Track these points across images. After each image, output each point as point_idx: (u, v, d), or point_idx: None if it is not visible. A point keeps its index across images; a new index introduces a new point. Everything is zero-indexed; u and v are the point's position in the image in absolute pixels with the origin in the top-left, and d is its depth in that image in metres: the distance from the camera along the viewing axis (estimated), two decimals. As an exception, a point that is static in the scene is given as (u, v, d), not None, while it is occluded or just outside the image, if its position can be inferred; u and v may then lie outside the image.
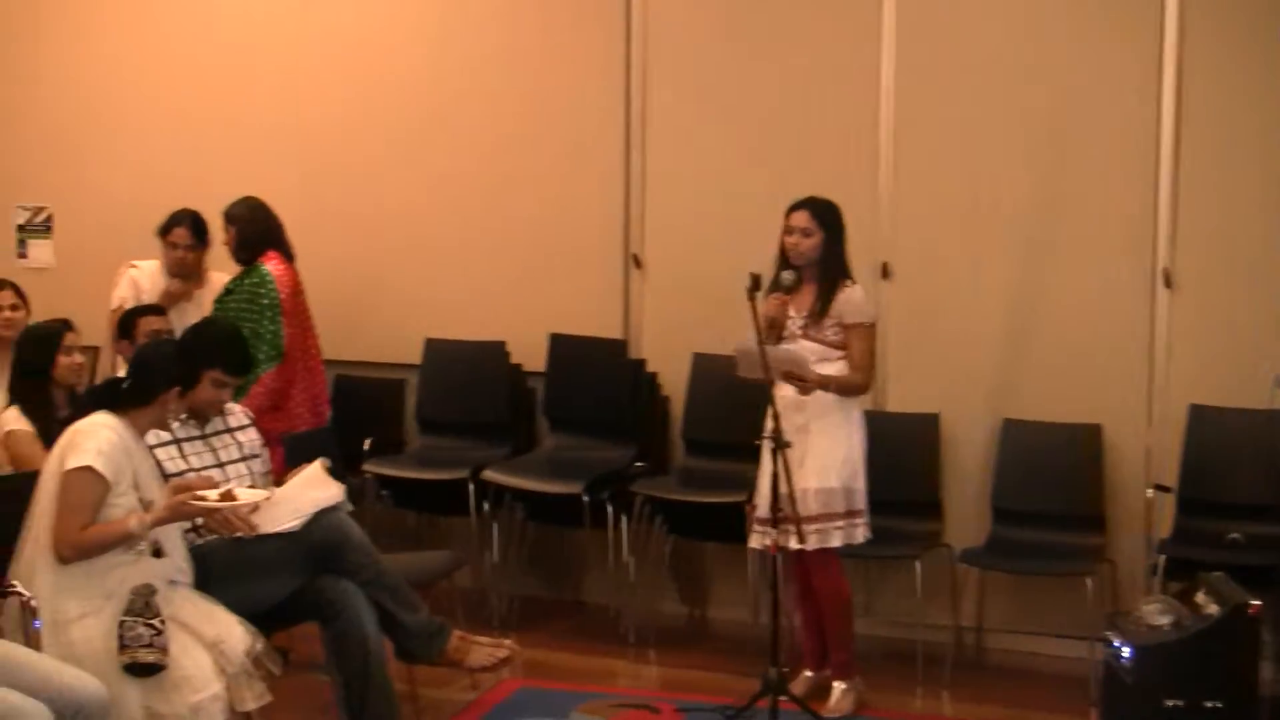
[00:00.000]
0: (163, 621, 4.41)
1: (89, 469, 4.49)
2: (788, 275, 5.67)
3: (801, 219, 5.74)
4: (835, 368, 5.67)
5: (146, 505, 4.58)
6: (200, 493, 4.63)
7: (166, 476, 4.93)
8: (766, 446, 5.52)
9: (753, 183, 6.81)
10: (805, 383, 5.59)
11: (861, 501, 5.74)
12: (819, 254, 5.73)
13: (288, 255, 6.66)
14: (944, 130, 6.62)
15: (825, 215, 5.76)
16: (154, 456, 4.95)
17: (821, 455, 5.66)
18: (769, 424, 5.40)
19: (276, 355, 6.45)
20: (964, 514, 6.55)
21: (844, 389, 5.69)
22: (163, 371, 4.79)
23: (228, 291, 6.60)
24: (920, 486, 6.52)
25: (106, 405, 4.68)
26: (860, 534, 5.75)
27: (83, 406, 4.80)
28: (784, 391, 5.61)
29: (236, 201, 6.71)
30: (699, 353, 6.87)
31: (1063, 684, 6.13)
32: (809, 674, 5.89)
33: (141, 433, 4.75)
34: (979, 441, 6.57)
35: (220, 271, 6.88)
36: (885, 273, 6.63)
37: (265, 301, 6.47)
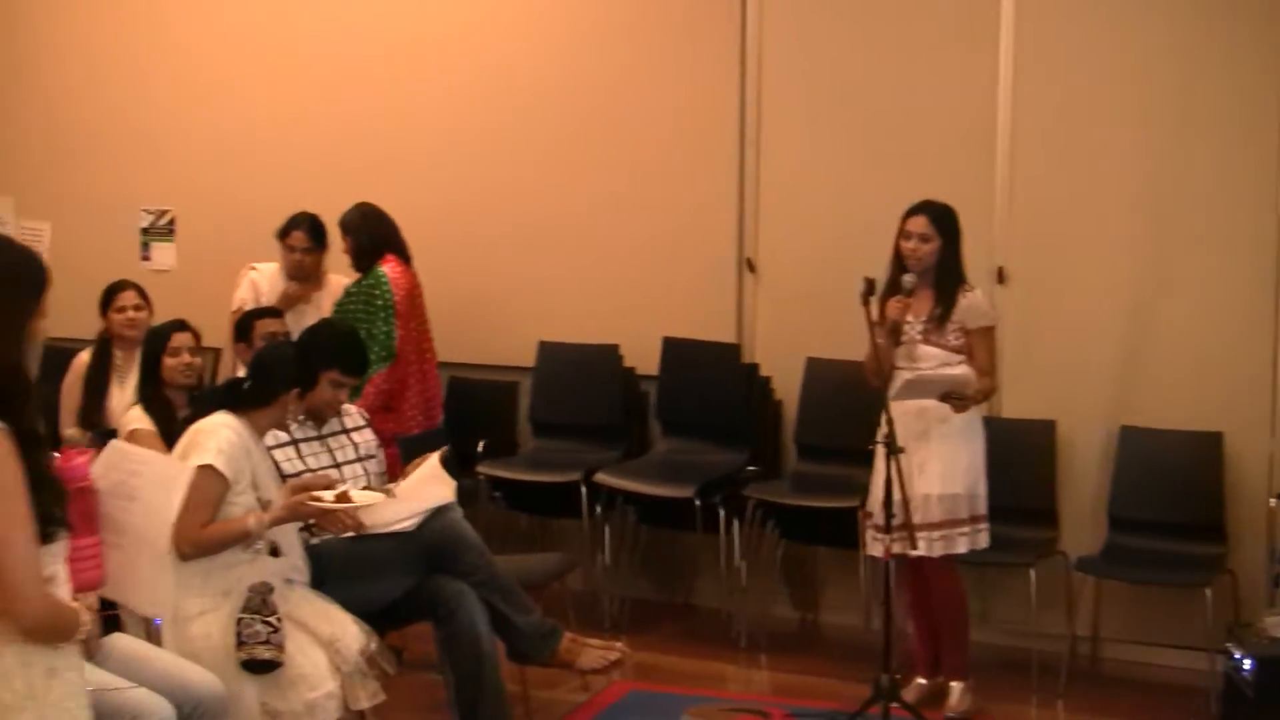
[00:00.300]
0: (279, 619, 4.49)
1: (210, 468, 4.58)
2: (909, 279, 5.66)
3: (920, 224, 5.73)
4: (957, 373, 5.68)
5: (264, 505, 4.68)
6: (317, 493, 4.72)
7: (284, 477, 5.04)
8: (880, 452, 5.53)
9: (867, 186, 6.81)
10: (965, 400, 5.61)
11: (983, 506, 5.76)
12: (936, 259, 5.72)
13: (404, 257, 6.77)
14: (1061, 133, 6.57)
15: (943, 220, 5.75)
16: (272, 457, 5.06)
17: (945, 461, 5.67)
18: (882, 429, 5.41)
19: (388, 356, 6.55)
20: (1080, 522, 6.50)
21: (984, 398, 5.75)
22: (282, 373, 4.88)
23: (347, 295, 6.73)
24: (1035, 494, 6.47)
25: (227, 405, 4.79)
26: (983, 539, 5.77)
27: (203, 406, 4.90)
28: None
29: (350, 210, 6.83)
30: (812, 357, 6.88)
31: (1180, 696, 6.06)
32: (921, 681, 5.89)
33: (261, 433, 4.85)
34: (1096, 448, 6.51)
35: (339, 274, 7.00)
36: (1001, 277, 6.59)
37: (379, 303, 6.58)
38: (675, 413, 7.19)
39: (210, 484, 4.58)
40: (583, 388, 7.30)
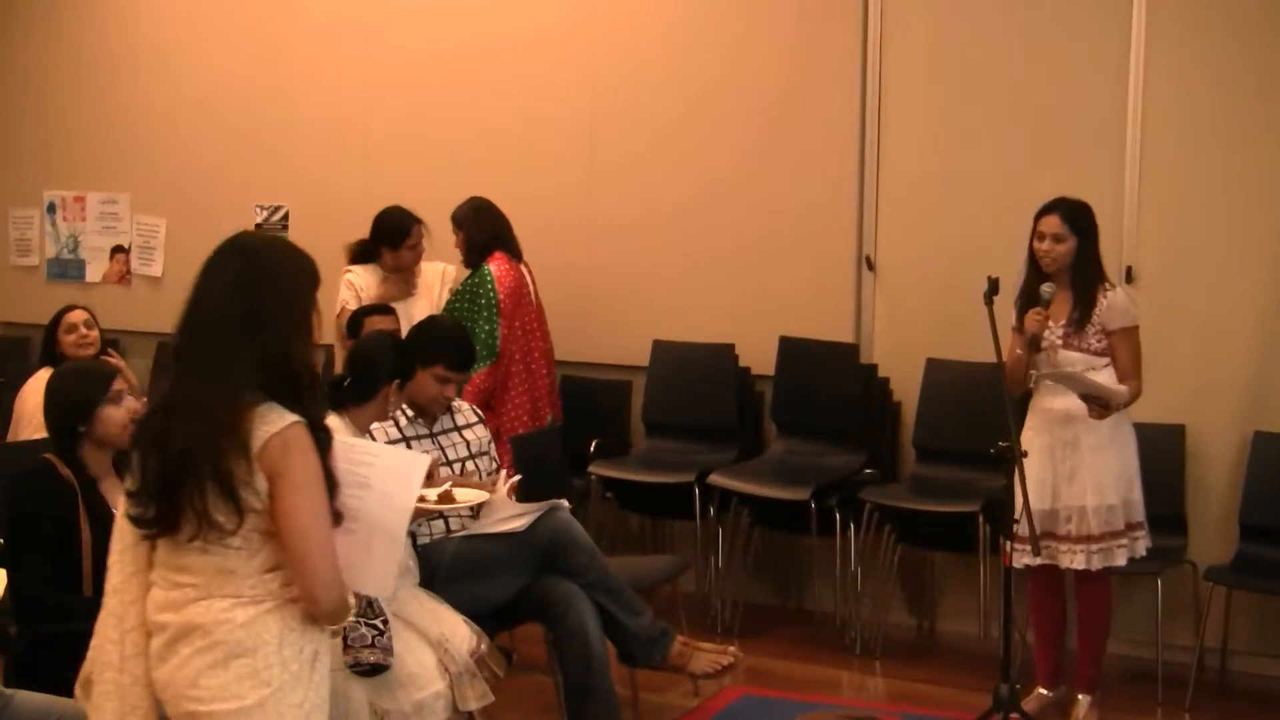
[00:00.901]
0: (386, 622, 4.51)
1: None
2: (1048, 289, 5.58)
3: (1053, 224, 5.66)
4: (1103, 376, 5.61)
5: None
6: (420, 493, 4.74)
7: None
8: (1048, 456, 5.58)
9: (991, 181, 6.78)
10: (1107, 408, 5.56)
11: (1139, 514, 5.68)
12: (1072, 259, 5.66)
13: (514, 254, 6.84)
14: (1193, 128, 6.50)
15: (1078, 218, 5.68)
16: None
17: (1097, 471, 5.61)
18: (1021, 437, 5.36)
19: (490, 355, 6.62)
20: (1209, 530, 6.43)
21: (1130, 402, 5.66)
22: (380, 366, 4.92)
23: (455, 294, 6.83)
24: (1163, 500, 6.37)
25: (330, 404, 4.82)
26: (1141, 546, 5.69)
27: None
28: (1050, 404, 5.63)
29: (462, 204, 6.94)
30: (932, 358, 6.84)
31: (1314, 711, 5.99)
32: (1044, 692, 5.84)
33: (363, 429, 4.90)
34: (1227, 454, 6.44)
35: (431, 262, 7.09)
36: (1129, 276, 6.51)
37: (483, 301, 6.67)
38: (791, 413, 7.19)
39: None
40: (697, 387, 7.32)
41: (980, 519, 6.31)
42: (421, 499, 4.70)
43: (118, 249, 8.87)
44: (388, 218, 7.00)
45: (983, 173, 6.83)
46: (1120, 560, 5.61)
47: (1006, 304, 5.63)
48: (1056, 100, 6.72)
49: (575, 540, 5.18)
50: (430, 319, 6.16)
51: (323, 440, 3.29)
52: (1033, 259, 5.71)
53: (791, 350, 7.17)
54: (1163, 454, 6.41)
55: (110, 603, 3.37)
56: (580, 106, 7.67)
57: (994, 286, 5.44)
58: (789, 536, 7.15)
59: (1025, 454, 5.23)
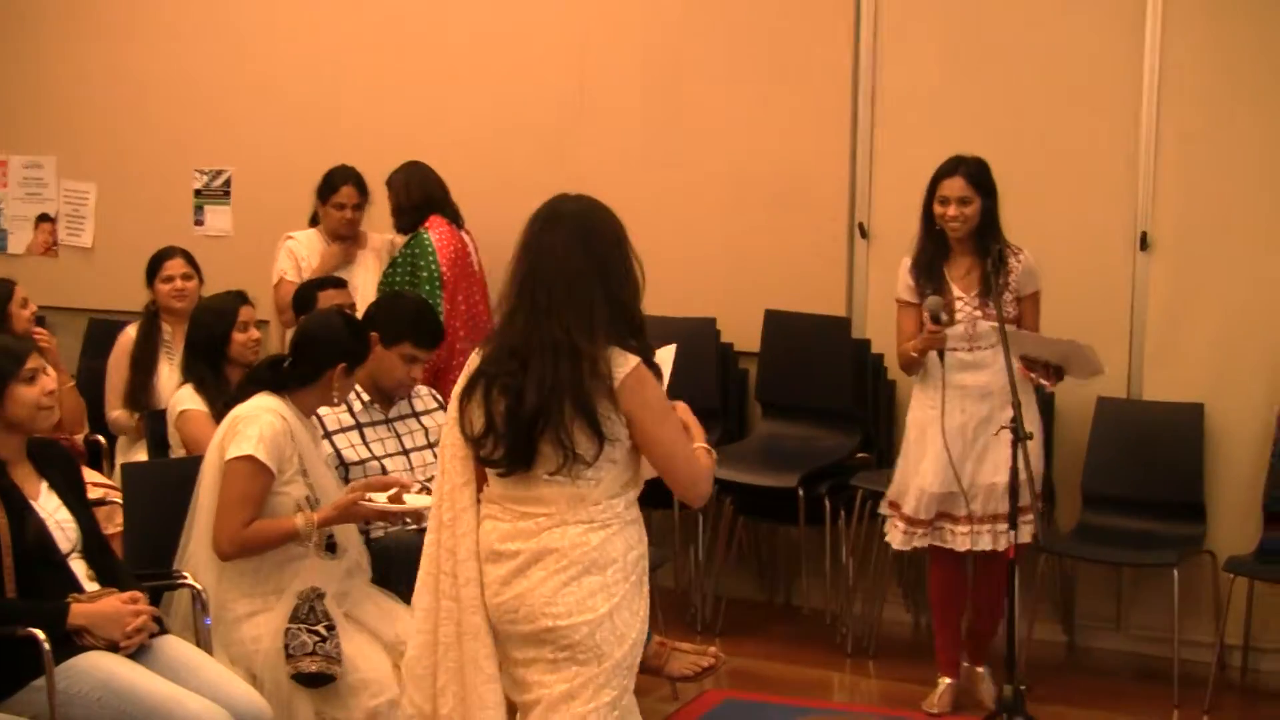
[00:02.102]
0: (330, 628, 4.51)
1: (250, 459, 4.61)
2: (935, 305, 5.60)
3: (958, 186, 5.71)
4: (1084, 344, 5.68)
5: (316, 497, 4.71)
6: (370, 495, 4.71)
7: (344, 465, 5.08)
8: (922, 433, 5.75)
9: (995, 140, 6.72)
10: (1061, 377, 5.66)
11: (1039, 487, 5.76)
12: (977, 222, 5.71)
13: (453, 219, 6.86)
14: (1215, 83, 6.49)
15: (982, 178, 5.74)
16: (333, 442, 5.10)
17: (1008, 446, 5.65)
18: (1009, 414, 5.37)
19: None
20: (1230, 517, 6.44)
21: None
22: (325, 346, 4.88)
23: (393, 263, 6.85)
24: (1180, 485, 6.42)
25: (268, 386, 4.82)
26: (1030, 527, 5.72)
27: (244, 388, 4.92)
28: (964, 380, 5.69)
29: (397, 169, 7.06)
30: (931, 332, 6.85)
31: (1343, 713, 6.02)
32: (949, 681, 5.97)
33: (307, 413, 4.88)
34: (1250, 435, 6.45)
35: (378, 231, 7.13)
36: (1144, 243, 6.53)
37: (424, 274, 6.72)
38: (778, 393, 7.18)
39: (252, 477, 4.62)
40: (675, 365, 7.27)
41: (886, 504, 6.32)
42: (369, 500, 4.69)
43: (43, 218, 8.82)
44: (328, 173, 7.08)
45: (986, 130, 6.76)
46: (1027, 538, 5.64)
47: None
48: (1066, 53, 6.70)
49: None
50: (395, 294, 6.17)
51: (657, 374, 3.90)
52: (929, 225, 5.76)
53: (778, 324, 7.15)
54: (1180, 435, 6.45)
55: (440, 538, 3.90)
56: (556, 67, 7.62)
57: (1000, 257, 5.44)
58: (775, 527, 7.16)
59: (1030, 435, 5.24)
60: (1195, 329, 6.52)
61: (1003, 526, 5.57)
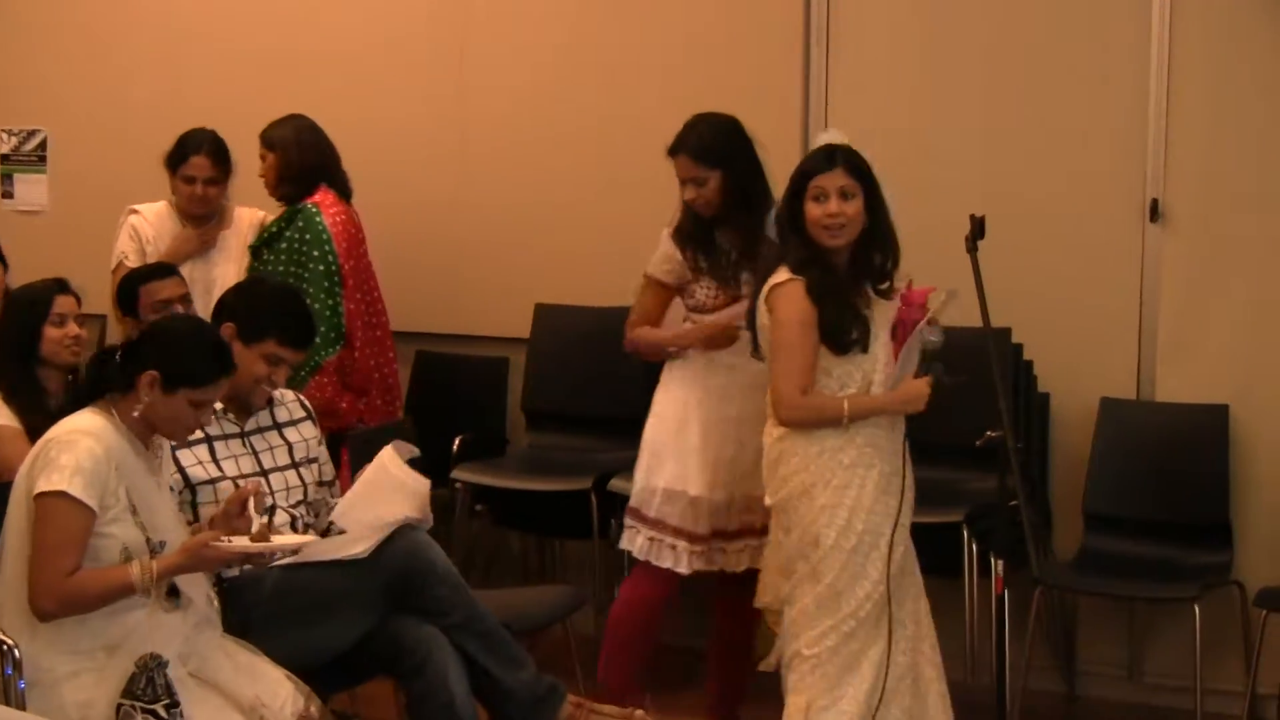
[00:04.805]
0: (172, 706, 4.42)
1: (63, 495, 4.46)
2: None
3: (685, 167, 5.75)
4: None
5: (159, 539, 4.62)
6: (225, 537, 4.58)
7: (190, 485, 5.04)
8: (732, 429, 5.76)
9: (976, 102, 6.83)
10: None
11: None
12: (720, 200, 5.76)
13: (344, 193, 6.79)
14: (1235, 30, 6.54)
15: (715, 150, 5.76)
16: (177, 460, 5.04)
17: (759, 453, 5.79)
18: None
19: (338, 338, 6.57)
20: (1261, 541, 6.49)
21: None
22: (158, 349, 4.69)
23: (266, 240, 6.73)
24: (1202, 503, 6.46)
25: (93, 397, 4.69)
26: None
27: (74, 399, 4.80)
28: (733, 362, 5.77)
29: (277, 122, 6.88)
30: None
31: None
32: None
33: (144, 436, 4.71)
34: (1283, 442, 6.51)
35: (247, 207, 7.07)
36: (1154, 214, 6.57)
37: (320, 268, 6.62)
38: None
39: (68, 516, 4.47)
40: (593, 366, 7.30)
41: (965, 532, 6.35)
42: (225, 541, 4.57)
43: None
44: (180, 138, 6.99)
45: (966, 90, 6.88)
46: (746, 563, 5.80)
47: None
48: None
49: (435, 568, 5.15)
50: (255, 278, 6.10)
51: None
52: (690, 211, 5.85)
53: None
54: (1201, 443, 6.50)
55: None
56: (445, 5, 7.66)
57: (979, 228, 5.45)
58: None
59: (1021, 445, 5.27)
60: (1218, 316, 6.57)
61: (759, 542, 5.69)
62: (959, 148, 6.84)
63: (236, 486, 5.09)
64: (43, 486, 4.49)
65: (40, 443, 4.62)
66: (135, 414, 4.62)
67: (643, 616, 5.99)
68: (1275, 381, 6.50)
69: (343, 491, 5.42)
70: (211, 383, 4.70)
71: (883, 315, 5.33)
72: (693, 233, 5.81)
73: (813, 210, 5.34)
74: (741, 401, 5.75)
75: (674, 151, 5.80)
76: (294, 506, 5.23)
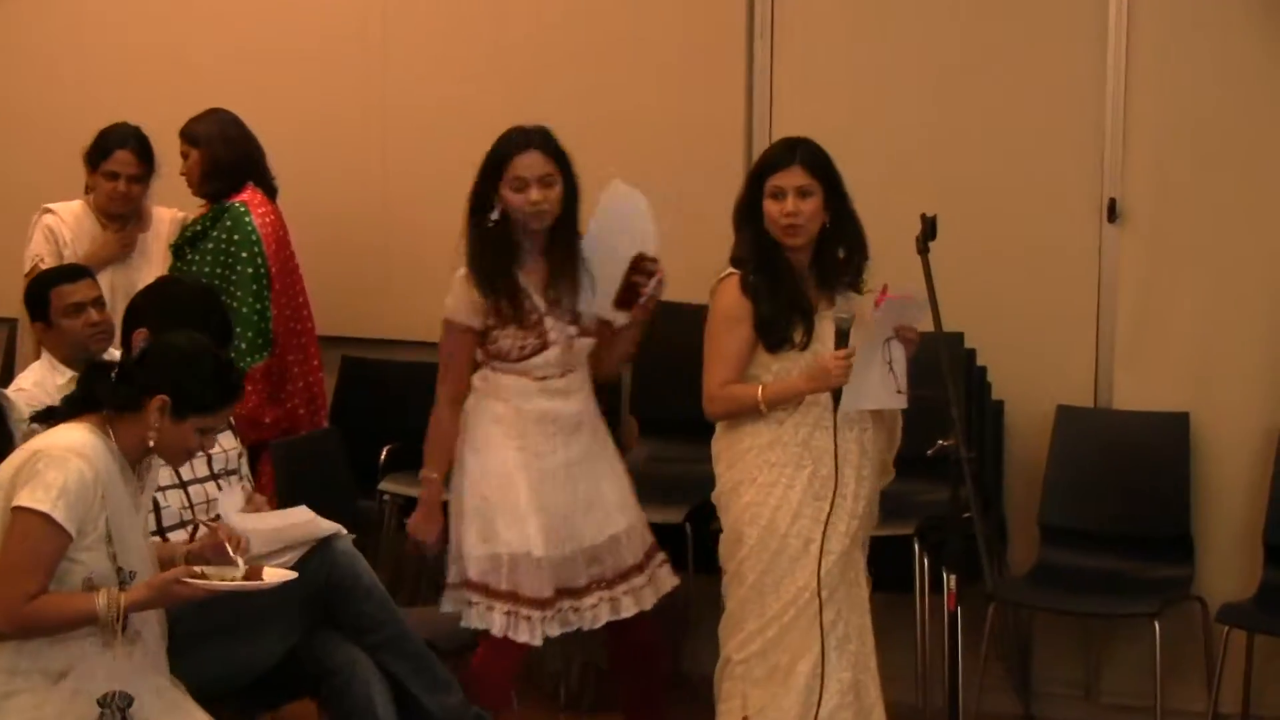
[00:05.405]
0: None
1: (44, 517, 4.40)
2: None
3: (538, 164, 5.63)
4: None
5: (125, 571, 4.54)
6: (200, 569, 4.53)
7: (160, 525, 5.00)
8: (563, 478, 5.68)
9: (926, 93, 6.83)
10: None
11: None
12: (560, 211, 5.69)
13: (270, 191, 6.75)
14: (1194, 23, 6.57)
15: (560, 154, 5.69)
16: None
17: (618, 480, 5.84)
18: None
19: (265, 344, 6.53)
20: (1223, 554, 6.53)
21: None
22: (166, 369, 4.63)
23: (190, 239, 6.68)
24: (1162, 515, 6.49)
25: (87, 409, 4.61)
26: (666, 573, 5.88)
27: (65, 409, 4.70)
28: (547, 406, 5.70)
29: (199, 118, 6.85)
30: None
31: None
32: None
33: (132, 455, 4.64)
34: (1246, 452, 6.55)
35: (167, 207, 7.04)
36: (1112, 214, 6.58)
37: (249, 270, 6.61)
38: (659, 406, 7.22)
39: (45, 538, 4.41)
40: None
41: (916, 545, 6.33)
42: (201, 577, 4.50)
43: None
44: (101, 132, 6.93)
45: (917, 86, 6.90)
46: (668, 585, 5.81)
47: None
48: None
49: (360, 584, 5.14)
50: (164, 281, 6.02)
51: None
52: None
53: (658, 320, 7.11)
54: (1160, 453, 6.53)
55: None
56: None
57: (931, 229, 5.44)
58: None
59: (974, 455, 5.25)
60: (1178, 320, 6.60)
61: (640, 580, 5.70)
62: (909, 146, 6.84)
63: (155, 501, 5.05)
64: (25, 501, 4.42)
65: (28, 450, 4.54)
66: (139, 438, 4.58)
67: (501, 686, 5.76)
68: (1237, 388, 6.53)
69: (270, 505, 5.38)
70: (223, 409, 4.71)
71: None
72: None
73: (770, 208, 5.43)
74: (564, 447, 5.70)
75: (524, 147, 5.63)
76: (214, 520, 5.17)
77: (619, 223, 5.56)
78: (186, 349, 4.70)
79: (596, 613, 5.70)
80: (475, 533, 5.62)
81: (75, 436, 4.53)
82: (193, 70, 7.76)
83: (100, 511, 4.50)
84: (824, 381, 5.28)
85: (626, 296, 5.61)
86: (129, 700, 4.47)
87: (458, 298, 5.67)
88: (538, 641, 5.60)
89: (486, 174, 5.64)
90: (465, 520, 5.65)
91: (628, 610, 5.70)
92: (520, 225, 5.60)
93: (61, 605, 4.46)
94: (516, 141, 5.61)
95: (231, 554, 4.60)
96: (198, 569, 4.52)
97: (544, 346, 5.63)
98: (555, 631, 5.62)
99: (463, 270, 5.69)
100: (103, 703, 4.45)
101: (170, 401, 4.53)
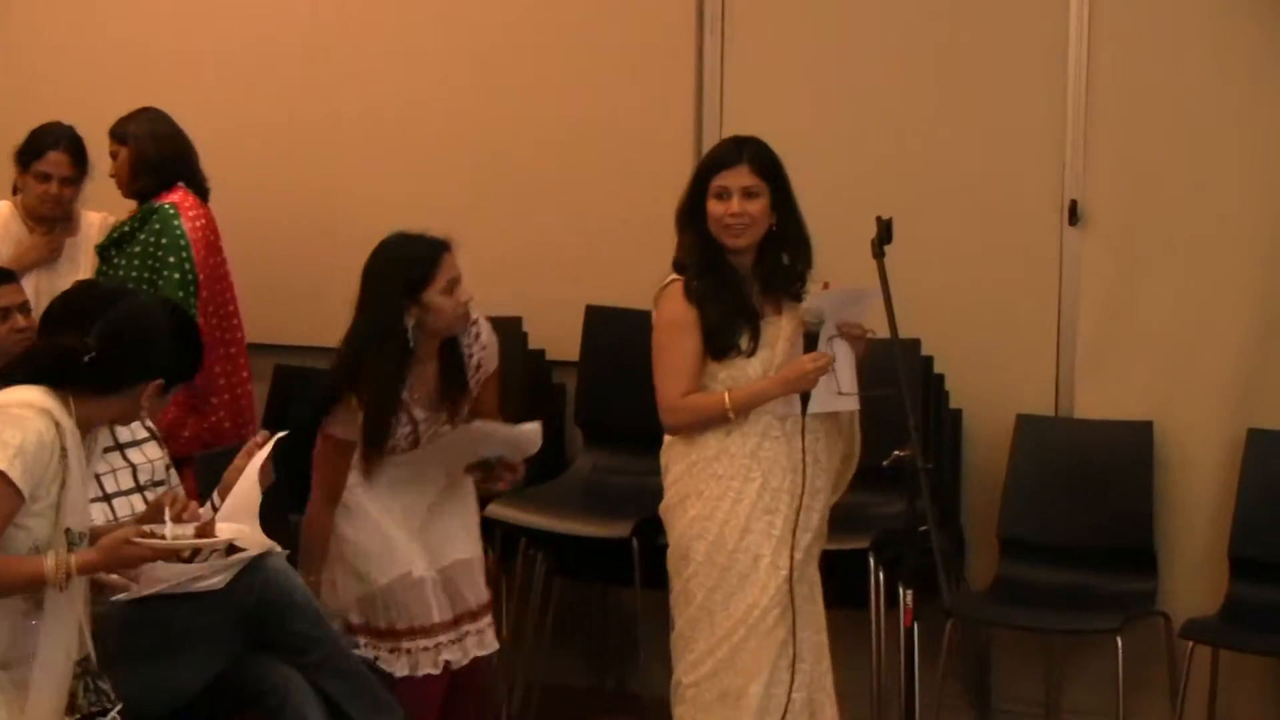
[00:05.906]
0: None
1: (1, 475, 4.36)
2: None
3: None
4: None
5: (75, 533, 4.51)
6: (151, 528, 4.52)
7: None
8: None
9: (880, 96, 6.84)
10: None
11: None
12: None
13: (201, 191, 6.72)
14: (1156, 23, 6.58)
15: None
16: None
17: (463, 505, 5.87)
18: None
19: None
20: (1188, 567, 6.55)
21: None
22: (146, 351, 4.63)
23: (117, 241, 6.65)
24: (1125, 527, 6.50)
25: (52, 379, 4.55)
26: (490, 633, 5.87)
27: (18, 370, 4.63)
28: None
29: (128, 116, 6.86)
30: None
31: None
32: None
33: (87, 428, 4.60)
34: (1211, 462, 6.56)
35: (96, 211, 7.01)
36: (1073, 216, 6.59)
37: (176, 276, 6.58)
38: (603, 415, 7.19)
39: None
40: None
41: (871, 560, 6.32)
42: (153, 535, 4.49)
43: None
44: (34, 131, 6.90)
45: (873, 85, 6.90)
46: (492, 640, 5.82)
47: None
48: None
49: (294, 602, 5.10)
50: (86, 284, 5.98)
51: None
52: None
53: (603, 325, 7.15)
54: (1123, 463, 6.55)
55: None
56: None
57: (886, 232, 5.43)
58: (604, 589, 7.20)
59: (931, 466, 5.25)
60: (1141, 326, 6.62)
61: (485, 621, 5.72)
62: (864, 146, 6.86)
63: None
64: None
65: None
66: (104, 414, 4.63)
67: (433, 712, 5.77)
68: (1202, 396, 6.54)
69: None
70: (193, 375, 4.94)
71: (794, 321, 5.30)
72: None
73: (714, 208, 5.37)
74: (409, 495, 5.73)
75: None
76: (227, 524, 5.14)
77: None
78: (166, 325, 4.73)
79: (454, 648, 5.67)
80: (352, 575, 5.65)
81: (34, 395, 4.48)
82: (129, 69, 7.76)
83: (54, 477, 4.45)
84: (798, 384, 5.25)
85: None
86: (89, 663, 4.50)
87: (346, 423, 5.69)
88: (436, 670, 5.60)
89: None
90: (338, 566, 5.67)
91: (473, 650, 5.71)
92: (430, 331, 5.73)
93: (7, 568, 4.41)
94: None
95: (167, 518, 4.56)
96: (147, 528, 4.50)
97: (416, 443, 5.67)
98: (456, 656, 5.64)
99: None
100: (76, 675, 4.47)
101: (163, 384, 4.63)
